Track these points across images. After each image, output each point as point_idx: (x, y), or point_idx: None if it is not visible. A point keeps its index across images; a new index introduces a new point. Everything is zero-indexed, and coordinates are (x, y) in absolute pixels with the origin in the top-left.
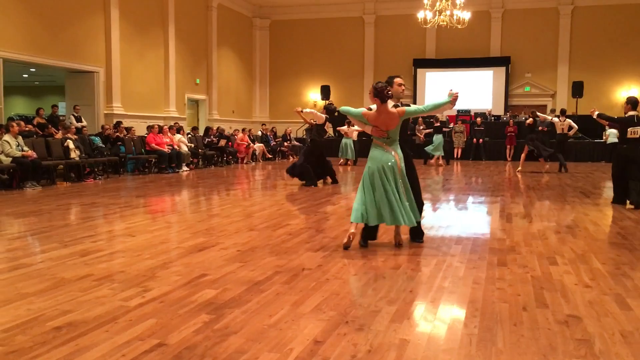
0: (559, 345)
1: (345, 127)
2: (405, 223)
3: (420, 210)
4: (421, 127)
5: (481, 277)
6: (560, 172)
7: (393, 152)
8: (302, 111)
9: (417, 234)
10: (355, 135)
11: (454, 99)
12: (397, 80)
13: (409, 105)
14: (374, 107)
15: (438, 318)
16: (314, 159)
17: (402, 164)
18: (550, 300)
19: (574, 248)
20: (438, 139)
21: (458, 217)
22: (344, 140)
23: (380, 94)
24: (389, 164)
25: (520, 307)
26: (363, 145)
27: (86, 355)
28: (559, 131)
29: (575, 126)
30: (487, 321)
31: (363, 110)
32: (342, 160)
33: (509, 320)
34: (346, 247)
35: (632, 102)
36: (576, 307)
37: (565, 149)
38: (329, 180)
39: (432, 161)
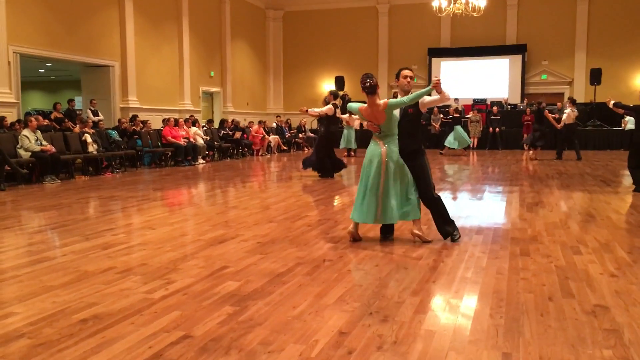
0: (588, 335)
1: (346, 116)
2: (389, 222)
3: (435, 205)
4: (438, 117)
5: (504, 268)
6: (555, 159)
7: (382, 147)
8: (307, 111)
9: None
10: (357, 125)
11: (434, 85)
12: (404, 72)
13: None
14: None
15: (463, 309)
16: (326, 151)
17: (393, 159)
18: (576, 290)
19: (597, 237)
20: (457, 130)
21: (477, 207)
22: (345, 130)
23: (361, 85)
24: (375, 158)
25: (546, 297)
26: (364, 136)
27: (113, 347)
28: (569, 121)
29: (576, 112)
30: (513, 312)
31: (360, 105)
32: (345, 152)
33: (535, 311)
34: (354, 240)
35: None
36: (603, 297)
37: (577, 137)
38: (342, 172)
39: (461, 149)
